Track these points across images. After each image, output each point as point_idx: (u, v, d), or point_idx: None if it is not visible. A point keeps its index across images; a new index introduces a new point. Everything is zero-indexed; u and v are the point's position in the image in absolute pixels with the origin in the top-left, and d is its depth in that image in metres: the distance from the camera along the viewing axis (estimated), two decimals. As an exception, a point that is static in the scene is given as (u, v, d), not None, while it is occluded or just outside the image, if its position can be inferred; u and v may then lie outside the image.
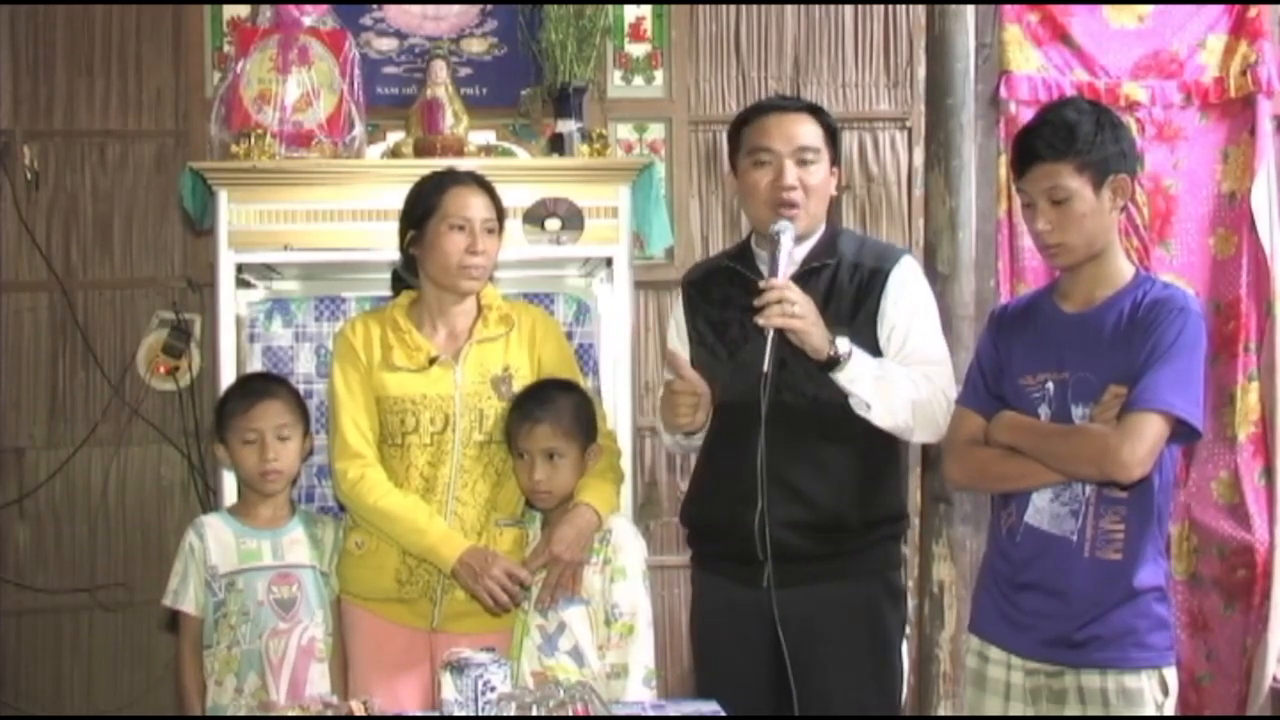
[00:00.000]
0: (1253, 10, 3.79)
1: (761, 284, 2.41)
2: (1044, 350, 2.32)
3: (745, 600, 2.49)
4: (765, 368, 2.39)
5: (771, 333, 2.38)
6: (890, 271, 2.52)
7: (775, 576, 2.45)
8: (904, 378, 2.45)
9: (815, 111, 2.58)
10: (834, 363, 2.40)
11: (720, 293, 2.63)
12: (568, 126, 3.49)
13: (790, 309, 2.36)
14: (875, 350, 2.48)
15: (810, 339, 2.39)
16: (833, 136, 2.58)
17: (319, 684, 2.59)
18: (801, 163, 2.52)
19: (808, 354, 2.41)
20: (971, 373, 2.48)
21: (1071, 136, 2.23)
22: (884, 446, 2.53)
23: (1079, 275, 2.32)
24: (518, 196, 3.12)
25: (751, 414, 2.45)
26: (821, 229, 2.59)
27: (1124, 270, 2.31)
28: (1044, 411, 2.29)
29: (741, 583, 2.50)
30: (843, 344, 2.40)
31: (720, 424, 2.57)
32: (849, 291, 2.52)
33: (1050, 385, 2.29)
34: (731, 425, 2.51)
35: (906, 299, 2.52)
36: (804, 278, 2.50)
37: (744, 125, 2.59)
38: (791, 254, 2.48)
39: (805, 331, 2.38)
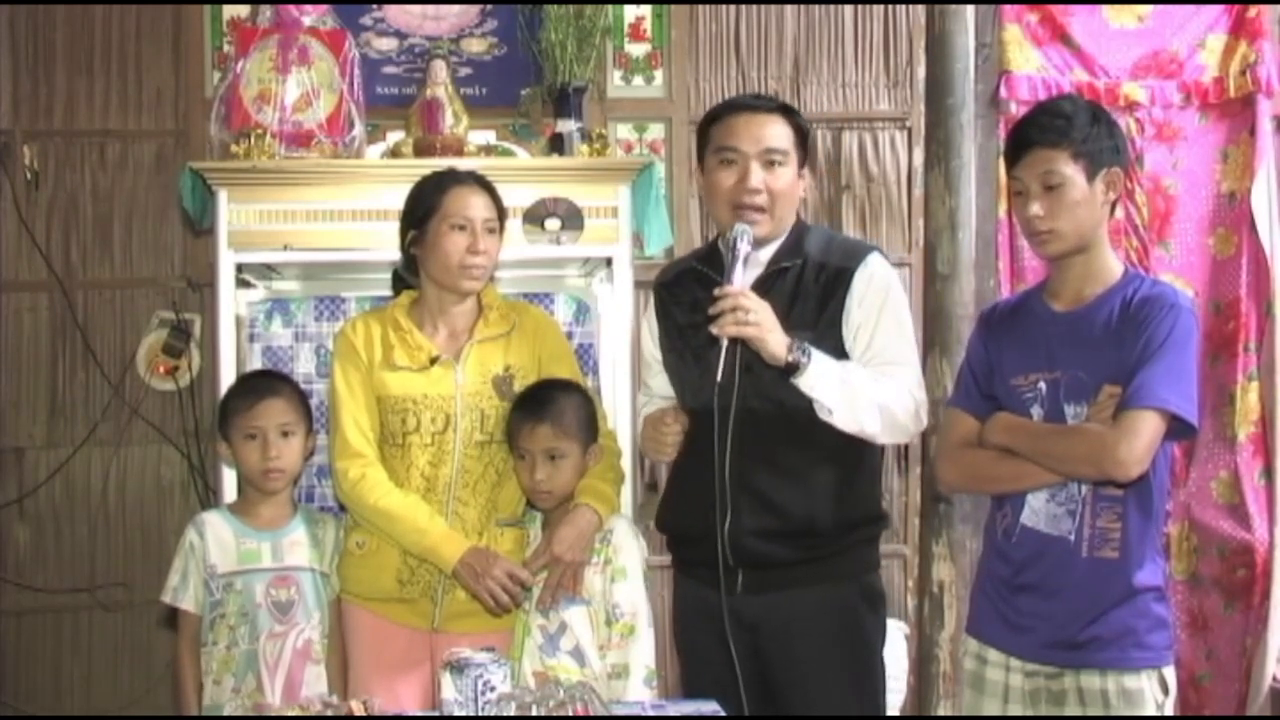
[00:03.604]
0: (1252, 10, 3.80)
1: (716, 292, 2.37)
2: (1035, 350, 2.32)
3: (721, 606, 2.45)
4: (719, 378, 2.34)
5: (726, 341, 2.34)
6: (855, 270, 2.47)
7: (748, 583, 2.44)
8: (868, 380, 2.41)
9: (786, 112, 2.54)
10: (794, 368, 2.36)
11: (689, 295, 2.59)
12: (567, 126, 3.48)
13: (744, 317, 2.32)
14: (841, 351, 2.45)
15: (766, 346, 2.34)
16: (803, 138, 2.54)
17: (315, 685, 2.59)
18: (768, 165, 2.47)
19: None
20: (963, 374, 2.48)
21: (1068, 125, 2.24)
22: (856, 449, 2.49)
23: (1068, 273, 2.32)
24: (518, 196, 3.12)
25: (717, 421, 2.41)
26: (787, 229, 2.55)
27: (1113, 268, 2.32)
28: (1036, 411, 2.29)
29: (716, 588, 2.46)
30: (800, 350, 2.35)
31: (690, 430, 2.53)
32: (814, 292, 2.48)
33: (1042, 385, 2.29)
34: (700, 432, 2.47)
35: (871, 298, 2.47)
36: (770, 279, 2.47)
37: (713, 122, 2.55)
38: (748, 258, 2.43)
39: (760, 339, 2.34)
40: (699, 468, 2.47)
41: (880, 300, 2.48)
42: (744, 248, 2.41)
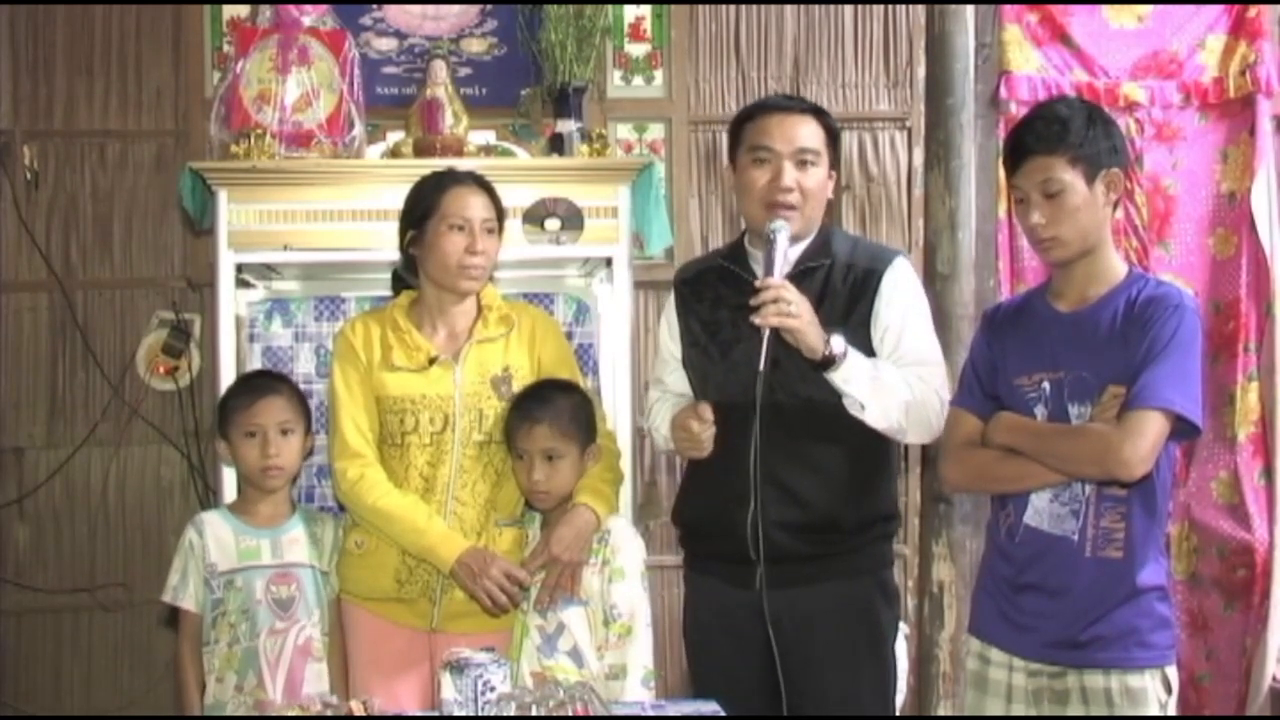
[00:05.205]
0: (1252, 10, 3.80)
1: (758, 283, 2.40)
2: (1039, 350, 2.32)
3: (738, 601, 2.48)
4: (761, 368, 2.37)
5: (767, 332, 2.36)
6: (884, 273, 2.51)
7: (768, 577, 2.45)
8: (898, 378, 2.44)
9: (818, 113, 2.57)
10: (829, 362, 2.39)
11: (712, 292, 2.61)
12: (567, 126, 3.48)
13: (786, 308, 2.35)
14: (869, 351, 2.47)
15: (806, 339, 2.38)
16: (833, 139, 2.57)
17: (315, 683, 2.60)
18: (801, 164, 2.50)
19: (803, 354, 2.40)
20: (966, 374, 2.48)
21: (1064, 130, 2.24)
22: (876, 446, 2.52)
23: (1072, 273, 2.32)
24: (518, 196, 3.12)
25: (745, 414, 2.43)
26: (815, 229, 2.58)
27: (1117, 268, 2.31)
28: (1040, 411, 2.29)
29: (734, 584, 2.50)
30: (838, 344, 2.39)
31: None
32: (842, 293, 2.51)
33: (1046, 385, 2.29)
34: (725, 425, 2.49)
35: (900, 300, 2.51)
36: (798, 279, 2.48)
37: (746, 121, 2.57)
38: (786, 253, 2.46)
39: (801, 331, 2.37)
40: (722, 461, 2.49)
41: (908, 302, 2.52)
42: (783, 241, 2.44)
